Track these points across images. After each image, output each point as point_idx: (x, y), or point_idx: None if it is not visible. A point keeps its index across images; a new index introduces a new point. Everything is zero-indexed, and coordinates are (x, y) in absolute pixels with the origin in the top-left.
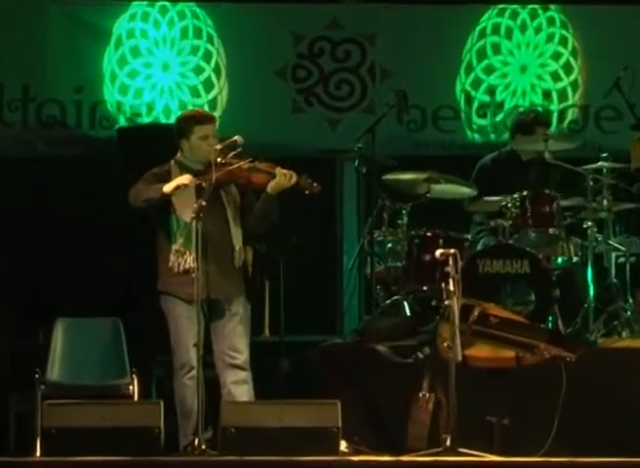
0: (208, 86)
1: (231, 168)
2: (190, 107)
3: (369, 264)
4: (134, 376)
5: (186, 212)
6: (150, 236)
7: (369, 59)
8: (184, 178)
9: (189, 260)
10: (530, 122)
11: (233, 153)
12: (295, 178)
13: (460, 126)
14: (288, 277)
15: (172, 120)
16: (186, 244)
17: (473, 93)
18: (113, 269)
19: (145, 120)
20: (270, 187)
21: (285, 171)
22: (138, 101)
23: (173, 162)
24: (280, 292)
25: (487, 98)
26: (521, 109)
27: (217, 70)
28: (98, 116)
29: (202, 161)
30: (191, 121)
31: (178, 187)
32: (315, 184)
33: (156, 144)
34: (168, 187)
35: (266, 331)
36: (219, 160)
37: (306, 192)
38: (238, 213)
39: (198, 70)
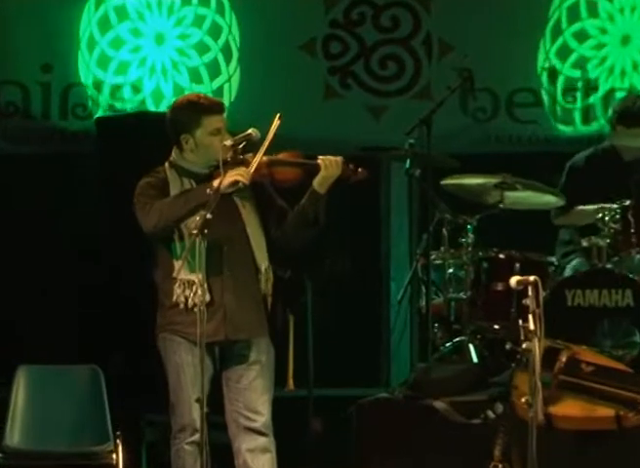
0: (213, 70)
1: (253, 167)
2: (203, 68)
3: (423, 295)
4: (118, 441)
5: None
6: (140, 256)
7: (423, 29)
8: (242, 172)
9: (200, 292)
10: (636, 111)
11: (241, 145)
12: (341, 164)
13: (542, 114)
14: (318, 311)
15: (162, 108)
16: (194, 271)
17: (559, 65)
18: (89, 300)
19: (128, 105)
20: (318, 182)
21: (328, 157)
22: (120, 79)
23: (167, 165)
24: (308, 330)
25: (577, 73)
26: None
27: (226, 51)
28: (71, 103)
29: (210, 162)
30: (197, 110)
31: (235, 184)
32: (360, 169)
33: (147, 139)
34: (220, 183)
35: (291, 382)
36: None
37: (350, 181)
38: (260, 222)
39: (202, 48)
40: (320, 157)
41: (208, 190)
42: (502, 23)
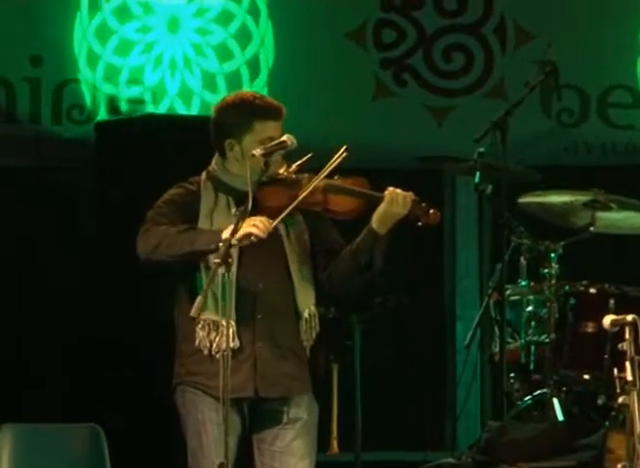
0: (242, 36)
1: (283, 214)
2: (221, 77)
3: (497, 339)
4: None
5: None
6: (148, 295)
7: (496, 13)
8: (259, 222)
9: (228, 336)
10: None
11: (298, 163)
12: (412, 202)
13: None
14: (368, 359)
15: (193, 109)
16: (220, 310)
17: None
18: (86, 344)
19: (123, 99)
20: (377, 219)
21: (400, 191)
22: (137, 89)
23: (204, 176)
24: (356, 382)
25: None
26: None
27: (253, 11)
28: (65, 104)
29: (253, 177)
30: (250, 113)
31: (248, 237)
32: (432, 211)
33: (156, 148)
34: (230, 233)
35: (335, 445)
36: (282, 174)
37: (419, 223)
38: (308, 256)
39: (225, 18)
40: (389, 188)
41: (220, 243)
42: (594, 6)
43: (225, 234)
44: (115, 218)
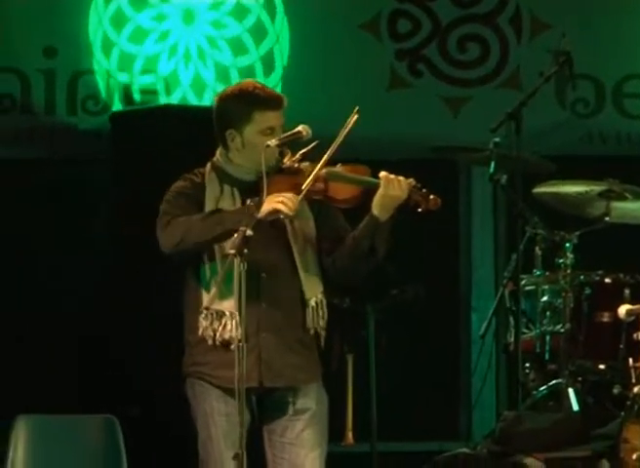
0: (257, 32)
1: (303, 192)
2: (234, 71)
3: (512, 329)
4: None
5: (224, 250)
6: (165, 282)
7: (511, 3)
8: (287, 199)
9: (230, 326)
10: None
11: (303, 151)
12: (410, 187)
13: None
14: (383, 349)
15: (206, 101)
16: (227, 300)
17: None
18: (98, 337)
19: (137, 89)
20: (377, 205)
21: (394, 176)
22: (150, 78)
23: (209, 167)
24: (370, 372)
25: None
26: None
27: (268, 6)
28: (80, 95)
29: (259, 167)
30: (249, 103)
31: (275, 213)
32: (432, 196)
33: (174, 138)
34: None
35: (349, 436)
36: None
37: (419, 209)
38: (314, 245)
39: (240, 12)
40: (382, 173)
41: (253, 213)
42: None
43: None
44: (130, 210)
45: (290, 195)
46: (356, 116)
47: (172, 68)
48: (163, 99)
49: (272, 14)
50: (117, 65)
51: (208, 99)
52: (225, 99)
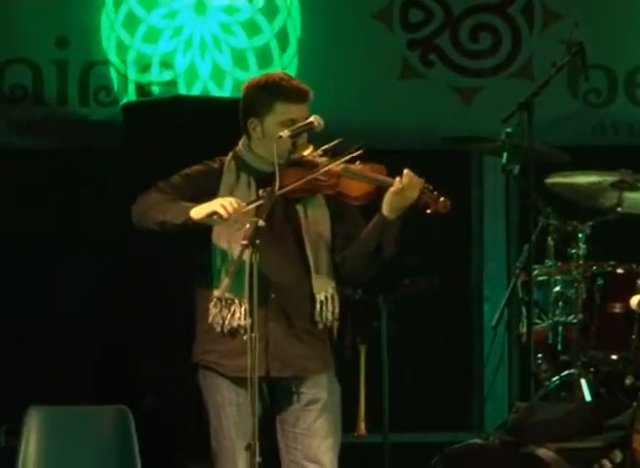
0: (269, 10)
1: (314, 175)
2: (251, 53)
3: (524, 319)
4: None
5: (236, 239)
6: (178, 280)
7: None
8: (227, 203)
9: (239, 314)
10: None
11: (325, 147)
12: (421, 187)
13: None
14: (396, 340)
15: (194, 90)
16: (235, 289)
17: None
18: (112, 327)
19: (154, 85)
20: (387, 204)
21: (410, 174)
22: (169, 75)
23: (230, 156)
24: (383, 363)
25: None
26: None
27: (282, 37)
28: (92, 85)
29: (279, 159)
30: (273, 93)
31: (211, 215)
32: (442, 199)
33: (186, 129)
34: (197, 212)
35: (362, 426)
36: (296, 156)
37: (428, 211)
38: (326, 244)
39: (252, 28)
40: (397, 178)
41: (187, 219)
42: None
43: (193, 212)
44: None
45: (236, 201)
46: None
47: (189, 62)
48: (157, 80)
49: (284, 45)
50: (134, 67)
51: (228, 89)
52: (251, 88)
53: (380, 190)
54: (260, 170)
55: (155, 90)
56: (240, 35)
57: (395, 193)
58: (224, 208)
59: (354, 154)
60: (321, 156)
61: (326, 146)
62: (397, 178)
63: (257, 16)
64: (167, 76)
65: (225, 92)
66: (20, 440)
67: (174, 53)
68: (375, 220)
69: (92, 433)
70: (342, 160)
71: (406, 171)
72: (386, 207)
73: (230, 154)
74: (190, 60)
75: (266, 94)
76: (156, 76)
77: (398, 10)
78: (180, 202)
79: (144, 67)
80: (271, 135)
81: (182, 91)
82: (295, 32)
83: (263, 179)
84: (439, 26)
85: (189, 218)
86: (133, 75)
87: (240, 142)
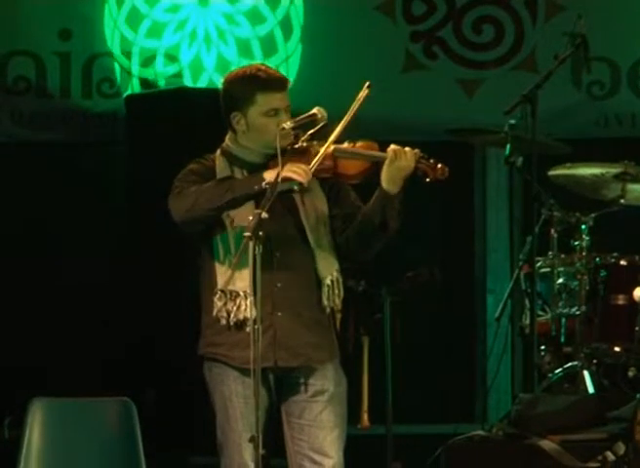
0: (268, 46)
1: (315, 164)
2: (255, 42)
3: (527, 311)
4: None
5: (240, 216)
6: (179, 271)
7: None
8: (300, 170)
9: (244, 307)
10: None
11: (311, 131)
12: (416, 157)
13: None
14: (399, 332)
15: (200, 83)
16: (241, 279)
17: None
18: (117, 321)
19: (160, 78)
20: (385, 177)
21: (399, 147)
22: (174, 68)
23: (219, 152)
24: (386, 355)
25: None
26: None
27: (285, 25)
28: (95, 78)
29: (265, 149)
30: (252, 85)
31: (288, 179)
32: (439, 165)
33: (189, 121)
34: (277, 176)
35: (365, 418)
36: (292, 145)
37: (427, 179)
38: (326, 222)
39: (255, 17)
40: (391, 146)
41: (263, 183)
42: None
43: (268, 175)
44: (145, 194)
45: (303, 166)
46: (366, 91)
47: (194, 55)
48: (162, 73)
49: (288, 33)
50: (139, 63)
51: (203, 83)
52: (229, 82)
53: (378, 166)
54: (250, 161)
55: (161, 83)
56: (244, 25)
57: (390, 165)
58: (299, 174)
59: (320, 126)
60: (309, 141)
61: (312, 130)
62: (389, 149)
63: (259, 3)
64: (172, 69)
65: None
66: (23, 431)
67: (178, 46)
68: (376, 195)
69: (95, 425)
70: (331, 139)
71: (391, 146)
72: (385, 180)
73: (218, 151)
74: (195, 53)
75: (246, 86)
76: (161, 70)
77: (401, 2)
78: (228, 180)
79: (148, 62)
80: (256, 126)
81: (188, 84)
82: (298, 19)
83: (253, 170)
84: (442, 18)
85: (272, 184)
86: (137, 71)
87: (227, 138)
